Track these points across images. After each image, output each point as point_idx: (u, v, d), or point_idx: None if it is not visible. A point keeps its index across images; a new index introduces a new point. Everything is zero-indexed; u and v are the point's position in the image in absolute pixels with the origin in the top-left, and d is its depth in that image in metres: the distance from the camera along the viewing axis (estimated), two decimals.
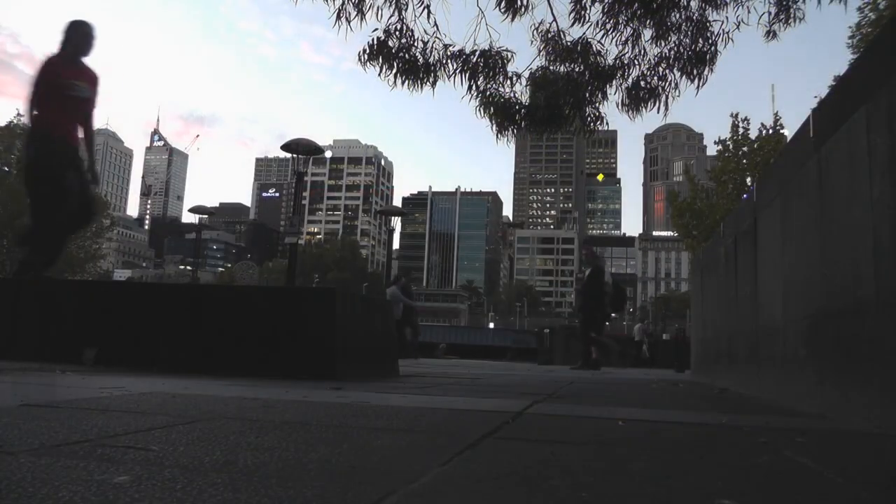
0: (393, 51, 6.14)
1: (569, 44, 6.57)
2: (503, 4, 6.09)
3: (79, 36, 5.01)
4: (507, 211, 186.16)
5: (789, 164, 3.65)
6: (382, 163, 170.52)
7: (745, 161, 21.97)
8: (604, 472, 1.29)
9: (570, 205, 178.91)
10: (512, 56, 6.47)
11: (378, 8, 5.96)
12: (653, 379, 7.19)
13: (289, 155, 15.76)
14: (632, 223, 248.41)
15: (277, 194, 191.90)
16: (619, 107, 6.56)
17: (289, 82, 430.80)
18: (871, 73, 2.51)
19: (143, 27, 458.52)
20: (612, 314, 10.60)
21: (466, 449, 1.49)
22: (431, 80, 6.29)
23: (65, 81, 4.88)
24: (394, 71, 6.17)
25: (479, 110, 6.55)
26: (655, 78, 6.46)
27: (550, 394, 3.57)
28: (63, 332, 4.64)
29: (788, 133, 20.78)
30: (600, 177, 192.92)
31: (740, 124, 22.53)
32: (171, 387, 2.91)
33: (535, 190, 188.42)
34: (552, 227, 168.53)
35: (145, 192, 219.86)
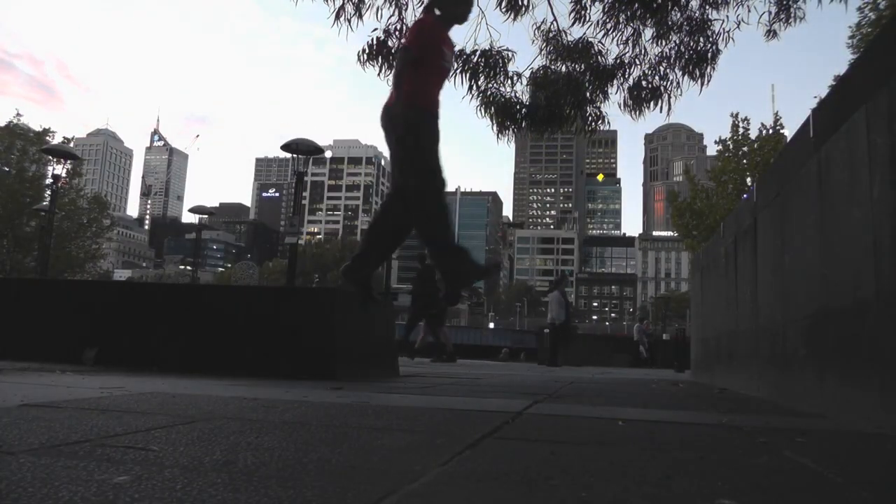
0: (392, 50, 6.15)
1: (569, 43, 6.57)
2: (504, 4, 6.10)
3: (463, 8, 4.09)
4: (507, 211, 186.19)
5: (789, 164, 3.65)
6: (382, 163, 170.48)
7: (745, 161, 21.97)
8: (604, 472, 1.29)
9: (570, 205, 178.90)
10: (512, 56, 6.48)
11: (378, 8, 5.97)
12: (653, 379, 7.19)
13: (289, 155, 15.77)
14: (632, 223, 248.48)
15: (277, 194, 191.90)
16: (622, 107, 6.57)
17: (290, 82, 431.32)
18: (871, 73, 2.51)
19: (143, 27, 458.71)
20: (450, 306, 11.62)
21: (466, 449, 1.49)
22: None
23: (445, 51, 4.06)
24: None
25: (480, 110, 6.56)
26: (657, 77, 6.47)
27: (550, 394, 3.57)
28: (63, 332, 4.64)
29: (788, 133, 20.80)
30: (600, 177, 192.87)
31: (740, 124, 22.55)
32: (171, 387, 2.91)
33: (535, 190, 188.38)
34: (552, 227, 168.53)
35: (145, 192, 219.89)
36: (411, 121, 3.72)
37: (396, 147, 3.74)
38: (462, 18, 4.16)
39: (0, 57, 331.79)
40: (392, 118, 3.75)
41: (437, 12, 4.03)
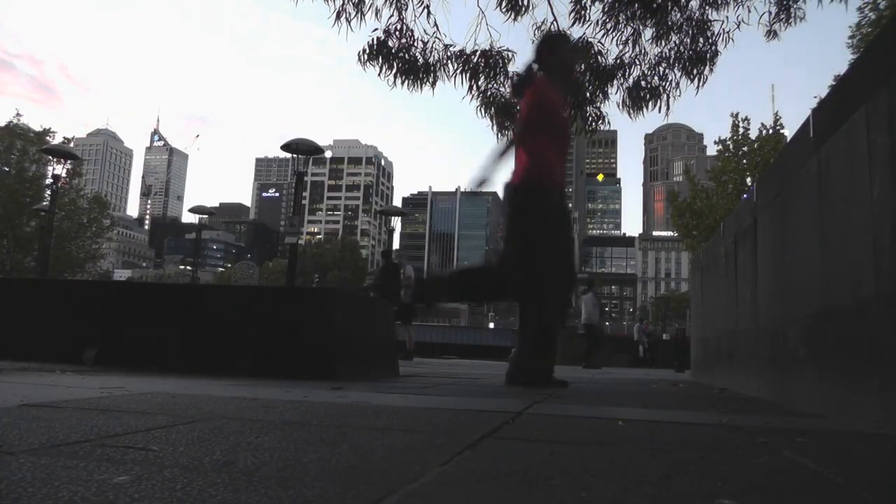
0: (393, 51, 6.15)
1: None
2: (504, 4, 6.10)
3: (569, 57, 3.78)
4: None
5: (789, 164, 3.65)
6: (382, 163, 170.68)
7: (745, 161, 21.99)
8: (604, 472, 1.29)
9: (570, 205, 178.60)
10: (513, 56, 6.47)
11: (377, 8, 5.97)
12: (653, 379, 7.19)
13: (289, 155, 15.77)
14: (632, 223, 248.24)
15: (277, 194, 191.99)
16: (620, 106, 6.57)
17: (290, 82, 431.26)
18: (871, 73, 2.51)
19: (143, 27, 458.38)
20: (413, 303, 11.83)
21: (466, 449, 1.49)
22: (431, 80, 6.29)
23: (565, 116, 3.76)
24: (393, 71, 6.18)
25: (480, 110, 6.56)
26: (656, 77, 6.47)
27: (550, 394, 3.57)
28: (63, 332, 4.64)
29: (788, 133, 20.81)
30: (600, 177, 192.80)
31: (740, 124, 22.57)
32: (171, 387, 2.92)
33: None
34: None
35: (145, 192, 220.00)
36: (524, 202, 3.45)
37: (510, 226, 3.53)
38: (566, 79, 3.73)
39: (0, 57, 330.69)
40: (508, 197, 3.52)
41: (543, 72, 3.60)
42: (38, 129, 31.04)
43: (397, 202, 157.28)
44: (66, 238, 30.25)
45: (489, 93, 6.53)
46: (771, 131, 22.27)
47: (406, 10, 6.13)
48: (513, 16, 6.13)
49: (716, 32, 6.26)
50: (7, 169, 29.96)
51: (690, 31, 6.26)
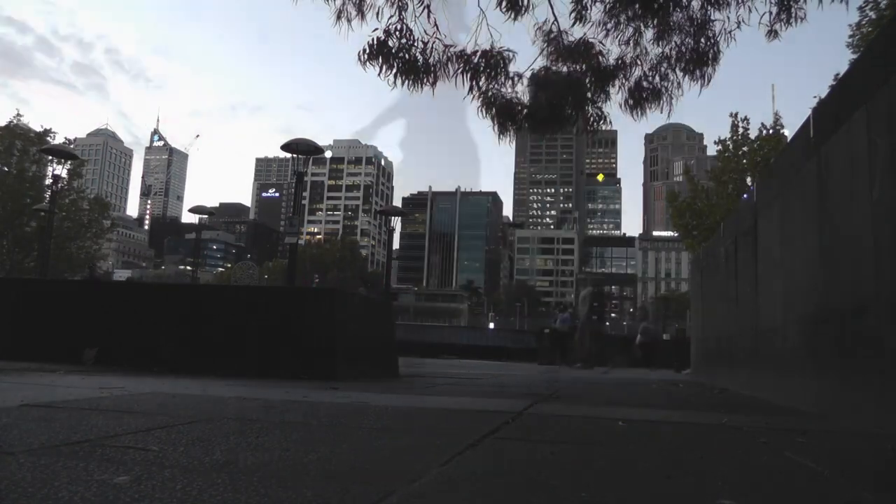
0: (393, 51, 6.14)
1: (570, 44, 6.57)
2: (504, 4, 6.08)
3: None
4: (507, 211, 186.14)
5: (789, 165, 3.65)
6: (382, 163, 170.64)
7: (744, 161, 21.97)
8: (604, 471, 1.29)
9: (570, 205, 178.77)
10: (513, 56, 6.46)
11: (379, 8, 5.95)
12: (653, 379, 7.19)
13: (289, 155, 15.78)
14: (632, 223, 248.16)
15: (277, 194, 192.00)
16: (622, 107, 6.54)
17: (290, 82, 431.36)
18: (871, 73, 2.51)
19: (143, 26, 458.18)
20: None
21: (466, 449, 1.49)
22: (431, 80, 6.28)
23: None
24: (393, 71, 6.16)
25: (481, 111, 6.54)
26: (658, 77, 6.46)
27: (550, 394, 3.57)
28: (63, 332, 4.64)
29: (788, 133, 20.79)
30: (600, 177, 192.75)
31: (740, 124, 22.53)
32: (172, 387, 2.92)
33: (535, 190, 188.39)
34: (552, 227, 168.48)
35: (145, 192, 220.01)
36: None
37: None
38: None
39: (48, 39, 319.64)
40: None
41: None
42: (38, 129, 31.09)
43: (397, 202, 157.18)
44: (66, 238, 30.25)
45: (490, 93, 6.52)
46: (771, 131, 22.24)
47: (406, 10, 6.11)
48: (513, 15, 6.12)
49: (717, 32, 6.24)
50: (7, 169, 29.98)
51: (692, 31, 6.25)
